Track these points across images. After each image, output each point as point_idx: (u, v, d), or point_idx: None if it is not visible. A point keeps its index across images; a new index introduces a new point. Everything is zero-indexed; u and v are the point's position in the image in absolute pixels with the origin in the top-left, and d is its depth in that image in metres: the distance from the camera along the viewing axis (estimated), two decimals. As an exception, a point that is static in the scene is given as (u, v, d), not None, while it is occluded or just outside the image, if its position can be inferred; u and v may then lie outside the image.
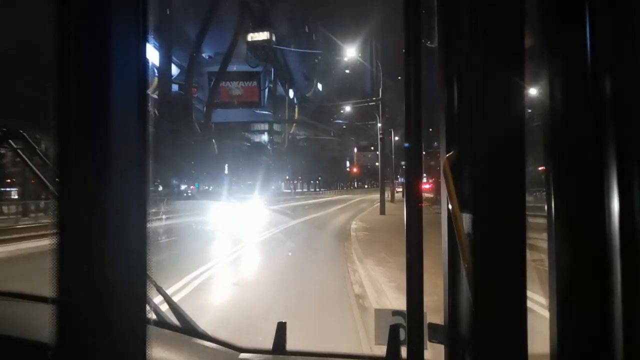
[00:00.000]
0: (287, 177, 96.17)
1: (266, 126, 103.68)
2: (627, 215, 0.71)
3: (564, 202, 0.78)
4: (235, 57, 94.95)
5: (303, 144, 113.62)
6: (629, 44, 0.72)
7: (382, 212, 23.64)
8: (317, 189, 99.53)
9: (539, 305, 0.91)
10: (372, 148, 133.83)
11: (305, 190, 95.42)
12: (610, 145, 0.72)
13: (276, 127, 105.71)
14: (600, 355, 0.74)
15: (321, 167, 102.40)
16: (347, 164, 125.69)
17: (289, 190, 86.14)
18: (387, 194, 49.30)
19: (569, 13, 0.77)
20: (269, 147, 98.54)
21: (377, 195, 65.75)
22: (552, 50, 0.80)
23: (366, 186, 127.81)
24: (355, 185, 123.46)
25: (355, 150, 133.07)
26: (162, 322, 1.40)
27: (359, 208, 34.29)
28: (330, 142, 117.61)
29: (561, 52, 0.79)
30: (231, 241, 12.65)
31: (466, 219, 0.85)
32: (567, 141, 0.78)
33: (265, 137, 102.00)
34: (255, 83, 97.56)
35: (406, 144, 0.90)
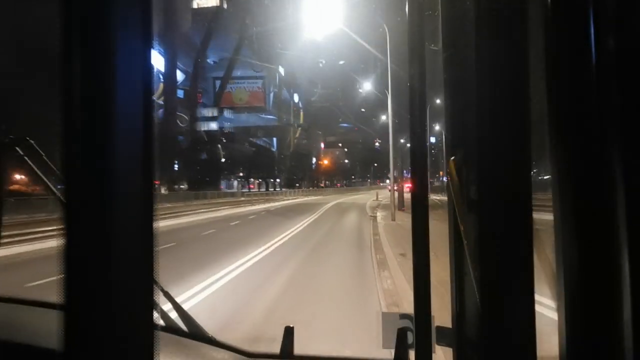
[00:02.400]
0: (241, 175, 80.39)
1: (215, 112, 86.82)
2: (635, 214, 0.70)
3: (570, 202, 0.78)
4: (239, 62, 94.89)
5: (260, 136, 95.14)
6: (633, 44, 0.72)
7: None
8: (276, 188, 78.91)
9: (547, 308, 0.89)
10: (340, 145, 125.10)
11: (263, 190, 75.19)
12: (616, 144, 0.72)
13: (227, 113, 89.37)
14: (610, 356, 0.73)
15: (284, 164, 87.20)
16: (314, 160, 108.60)
17: (235, 190, 64.05)
18: (376, 196, 41.38)
19: (572, 15, 0.77)
20: (221, 138, 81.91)
21: (360, 197, 55.55)
22: (556, 52, 0.80)
23: (326, 184, 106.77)
24: (323, 185, 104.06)
25: (322, 146, 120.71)
26: (169, 327, 1.40)
27: (356, 233, 15.22)
28: (294, 134, 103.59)
29: (565, 54, 0.79)
30: None
31: (472, 222, 0.85)
32: (572, 141, 0.77)
33: (214, 125, 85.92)
34: (260, 87, 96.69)
35: (410, 147, 0.90)
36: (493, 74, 0.81)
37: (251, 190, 69.86)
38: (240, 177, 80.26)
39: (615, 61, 0.73)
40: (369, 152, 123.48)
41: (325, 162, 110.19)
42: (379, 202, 35.40)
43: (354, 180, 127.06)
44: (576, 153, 0.77)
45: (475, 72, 0.83)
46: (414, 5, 0.90)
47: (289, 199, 47.57)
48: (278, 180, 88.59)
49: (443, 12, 0.94)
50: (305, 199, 50.23)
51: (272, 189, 76.99)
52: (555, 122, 0.80)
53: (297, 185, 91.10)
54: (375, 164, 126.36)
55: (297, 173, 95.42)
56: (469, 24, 0.85)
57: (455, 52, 0.92)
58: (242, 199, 35.08)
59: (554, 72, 0.80)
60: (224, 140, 79.62)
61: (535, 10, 0.81)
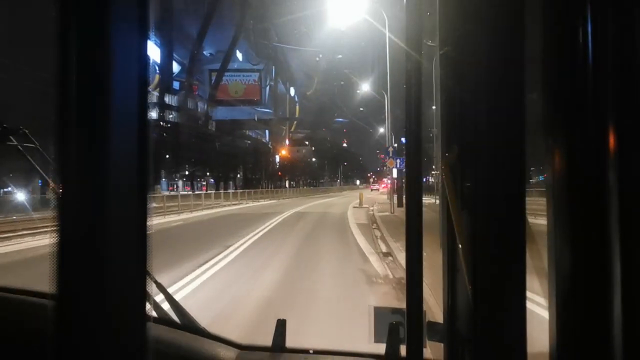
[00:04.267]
0: (187, 173, 65.70)
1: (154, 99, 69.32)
2: (627, 214, 0.71)
3: (564, 201, 0.78)
4: (235, 55, 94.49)
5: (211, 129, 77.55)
6: (630, 43, 0.72)
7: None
8: (222, 189, 54.67)
9: (537, 305, 0.90)
10: (307, 143, 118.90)
11: (212, 191, 49.44)
12: (610, 146, 0.72)
13: (167, 98, 70.64)
14: (600, 353, 0.74)
15: (241, 162, 72.30)
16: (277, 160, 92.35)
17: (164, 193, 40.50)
18: (359, 201, 28.38)
19: (570, 13, 0.77)
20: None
21: (332, 201, 40.51)
22: (553, 51, 0.80)
23: (282, 185, 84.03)
24: (288, 185, 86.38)
25: (287, 142, 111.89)
26: (162, 319, 1.40)
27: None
28: (251, 126, 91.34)
29: (562, 51, 0.79)
30: None
31: (465, 218, 0.85)
32: (567, 141, 0.78)
33: (154, 114, 69.36)
34: (256, 81, 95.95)
35: (406, 143, 0.90)
36: (490, 72, 0.82)
37: (200, 192, 47.90)
38: (186, 176, 67.25)
39: (612, 62, 0.73)
40: (338, 151, 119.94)
41: (290, 159, 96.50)
42: (370, 212, 21.96)
43: (322, 181, 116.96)
44: (571, 154, 0.77)
45: (472, 70, 0.84)
46: (413, 1, 0.90)
47: (228, 205, 33.13)
48: (233, 180, 73.47)
49: (441, 8, 0.94)
50: (254, 204, 35.93)
51: (221, 191, 49.94)
52: (551, 121, 0.81)
53: (254, 184, 72.03)
54: (345, 163, 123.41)
55: (256, 172, 79.76)
56: (467, 21, 0.85)
57: (452, 49, 0.92)
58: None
59: (551, 71, 0.81)
60: (174, 132, 65.29)
61: (533, 8, 0.81)
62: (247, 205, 34.61)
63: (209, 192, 43.33)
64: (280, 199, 47.87)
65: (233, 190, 46.23)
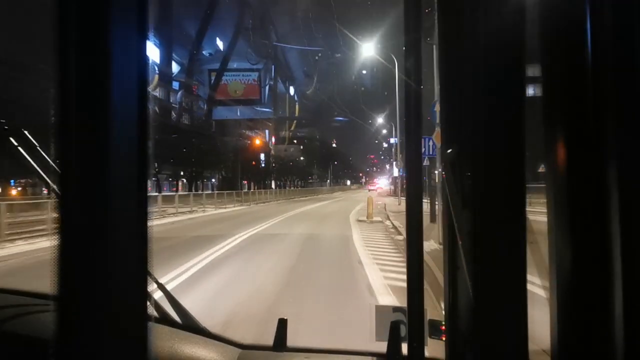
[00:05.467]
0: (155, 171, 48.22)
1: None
2: (627, 211, 0.71)
3: (564, 198, 0.78)
4: (235, 55, 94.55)
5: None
6: (630, 43, 0.72)
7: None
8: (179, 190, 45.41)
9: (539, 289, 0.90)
10: (295, 141, 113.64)
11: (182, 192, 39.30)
12: (610, 143, 0.73)
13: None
14: (601, 350, 0.74)
15: (215, 160, 58.07)
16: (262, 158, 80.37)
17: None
18: (367, 207, 17.82)
19: (570, 13, 0.78)
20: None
21: (321, 207, 29.48)
22: (553, 49, 0.80)
23: (270, 185, 73.24)
24: (273, 185, 77.46)
25: (273, 141, 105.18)
26: (163, 319, 1.40)
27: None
28: (237, 126, 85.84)
29: (562, 50, 0.79)
30: None
31: (466, 216, 0.85)
32: (567, 138, 0.78)
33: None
34: (256, 80, 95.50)
35: (406, 142, 0.90)
36: (489, 70, 0.82)
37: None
38: (155, 175, 57.98)
39: (612, 62, 0.73)
40: (327, 150, 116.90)
41: (277, 157, 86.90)
42: (394, 235, 12.80)
43: (311, 181, 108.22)
44: (571, 150, 0.77)
45: (471, 68, 0.84)
46: None
47: (172, 215, 22.56)
48: (214, 179, 65.19)
49: (439, 6, 0.94)
50: (214, 212, 26.12)
51: (196, 192, 40.49)
52: (550, 118, 0.81)
53: (235, 185, 58.79)
54: (335, 162, 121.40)
55: (236, 171, 68.27)
56: (466, 19, 0.85)
57: (451, 48, 0.92)
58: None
59: (550, 69, 0.81)
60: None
61: (533, 7, 0.81)
62: (202, 214, 24.21)
63: (199, 193, 34.84)
64: (256, 202, 37.53)
65: (178, 193, 34.26)
